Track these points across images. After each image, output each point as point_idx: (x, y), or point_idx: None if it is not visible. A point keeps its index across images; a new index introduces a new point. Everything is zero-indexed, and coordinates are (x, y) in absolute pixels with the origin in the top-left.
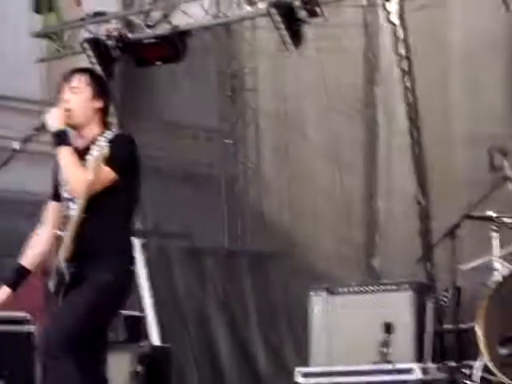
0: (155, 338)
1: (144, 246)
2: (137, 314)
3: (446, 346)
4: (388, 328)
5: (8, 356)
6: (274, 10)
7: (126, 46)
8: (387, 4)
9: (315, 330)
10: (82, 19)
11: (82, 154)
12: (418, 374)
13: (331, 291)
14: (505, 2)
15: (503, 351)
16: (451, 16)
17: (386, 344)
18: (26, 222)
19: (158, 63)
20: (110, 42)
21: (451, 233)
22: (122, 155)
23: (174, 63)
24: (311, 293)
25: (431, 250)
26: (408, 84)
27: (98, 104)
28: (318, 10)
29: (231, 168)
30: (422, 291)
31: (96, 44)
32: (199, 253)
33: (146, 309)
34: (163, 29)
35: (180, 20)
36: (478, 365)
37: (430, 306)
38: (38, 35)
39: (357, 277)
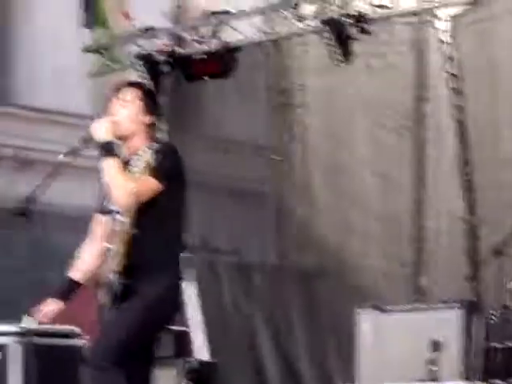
0: (202, 354)
1: (192, 261)
2: (184, 329)
3: (493, 364)
4: (436, 346)
5: (56, 369)
6: (323, 27)
7: (176, 61)
8: (437, 21)
9: (363, 347)
10: (132, 34)
11: (126, 165)
12: None
13: (379, 309)
14: None
15: None
16: (501, 33)
17: (433, 362)
18: (70, 235)
19: (207, 79)
20: (159, 57)
21: (499, 251)
22: (167, 165)
23: (223, 79)
24: (359, 310)
25: (479, 269)
26: (457, 102)
27: (147, 118)
28: (367, 26)
29: (279, 184)
30: (470, 309)
31: (146, 59)
32: (247, 268)
33: (193, 324)
34: (213, 44)
35: (230, 36)
36: None
37: (477, 324)
38: (88, 50)
39: (404, 295)
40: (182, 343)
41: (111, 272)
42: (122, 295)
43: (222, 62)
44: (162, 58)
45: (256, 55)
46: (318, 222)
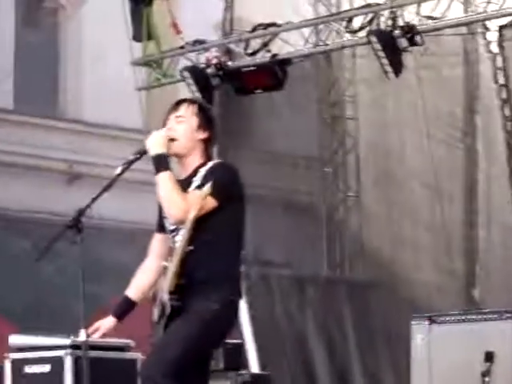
0: (255, 366)
1: (244, 274)
2: (237, 341)
3: None
4: (489, 357)
5: (112, 383)
6: (374, 39)
7: (226, 74)
8: (487, 32)
9: (417, 358)
10: (182, 47)
11: (184, 185)
12: None
13: (433, 320)
14: None
15: None
16: None
17: (487, 373)
18: (122, 249)
19: (258, 91)
20: (209, 70)
21: None
22: (224, 182)
23: (274, 91)
24: (413, 322)
25: None
26: (507, 113)
27: (203, 135)
28: (418, 38)
29: (331, 196)
30: None
31: (196, 72)
32: (299, 281)
33: (245, 336)
34: (263, 57)
35: (280, 48)
36: None
37: None
38: (138, 64)
39: (457, 307)
40: (233, 356)
41: (165, 291)
42: (173, 314)
43: (273, 74)
44: (211, 70)
45: (306, 67)
46: (369, 234)
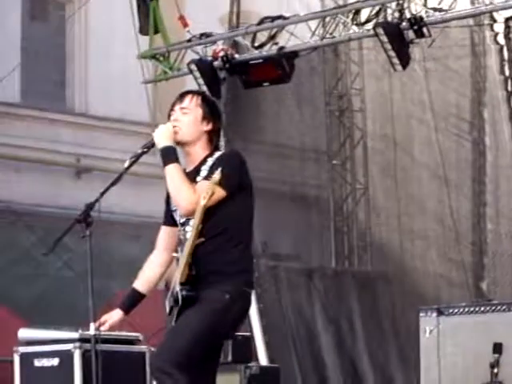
0: (263, 358)
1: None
2: (245, 334)
3: None
4: (498, 348)
5: (119, 375)
6: (381, 31)
7: (233, 67)
8: (494, 24)
9: (425, 350)
10: (189, 40)
11: (192, 176)
12: None
13: (441, 312)
14: None
15: None
16: None
17: (496, 364)
18: (128, 244)
19: (265, 84)
20: (216, 63)
21: None
22: (231, 172)
23: (281, 84)
24: (422, 313)
25: None
26: None
27: (207, 126)
28: (424, 30)
29: (339, 189)
30: None
31: (202, 65)
32: (308, 273)
33: (254, 329)
34: (270, 50)
35: (286, 41)
36: None
37: None
38: (145, 57)
39: (465, 299)
40: (242, 349)
41: (177, 282)
42: (185, 305)
43: (280, 67)
44: (218, 63)
45: (313, 60)
46: (377, 226)
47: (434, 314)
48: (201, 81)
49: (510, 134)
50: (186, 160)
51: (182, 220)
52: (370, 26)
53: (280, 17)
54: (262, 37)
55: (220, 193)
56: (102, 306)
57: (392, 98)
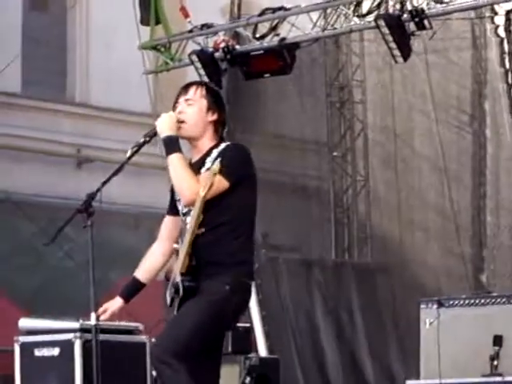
0: (263, 350)
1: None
2: (245, 325)
3: None
4: (498, 340)
5: (119, 365)
6: (382, 23)
7: (234, 58)
8: (495, 17)
9: (425, 341)
10: (190, 31)
11: (196, 167)
12: None
13: (442, 304)
14: None
15: None
16: None
17: (495, 357)
18: (129, 234)
19: (266, 75)
20: (217, 54)
21: None
22: (235, 164)
23: (282, 75)
24: (422, 305)
25: None
26: None
27: (212, 117)
28: (426, 22)
29: (339, 180)
30: None
31: (204, 56)
32: (307, 264)
33: (254, 320)
34: (271, 41)
35: (288, 32)
36: None
37: None
38: (146, 47)
39: (465, 291)
40: (241, 340)
41: (176, 272)
42: (186, 295)
43: (281, 58)
44: (219, 54)
45: (315, 51)
46: (377, 218)
47: (435, 306)
48: (202, 72)
49: (510, 127)
50: (193, 151)
51: (185, 210)
52: (371, 17)
53: (281, 8)
54: (263, 28)
55: (221, 183)
56: (103, 295)
57: (393, 90)
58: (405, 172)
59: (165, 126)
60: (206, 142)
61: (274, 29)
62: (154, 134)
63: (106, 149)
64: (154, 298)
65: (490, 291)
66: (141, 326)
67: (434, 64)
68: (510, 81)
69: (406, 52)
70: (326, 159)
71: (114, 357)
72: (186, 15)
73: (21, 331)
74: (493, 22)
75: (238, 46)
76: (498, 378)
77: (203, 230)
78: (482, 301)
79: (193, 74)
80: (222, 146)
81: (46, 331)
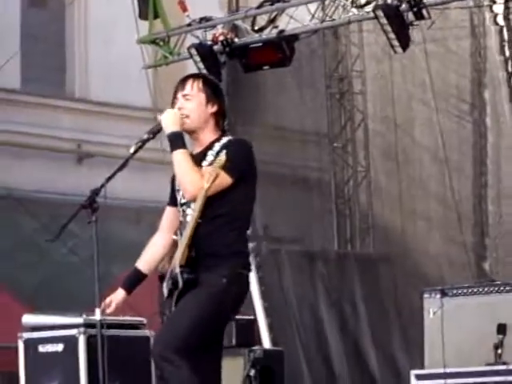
0: (267, 342)
1: (255, 250)
2: (249, 317)
3: None
4: (502, 329)
5: (123, 360)
6: (380, 13)
7: (233, 50)
8: (494, 5)
9: (429, 331)
10: (189, 25)
11: (198, 160)
12: None
13: (445, 293)
14: None
15: None
16: None
17: (499, 345)
18: (130, 229)
19: (265, 68)
20: (216, 47)
21: None
22: (238, 160)
23: (281, 67)
24: (425, 295)
25: None
26: None
27: (212, 109)
28: (424, 12)
29: (340, 171)
30: None
31: (203, 49)
32: (309, 256)
33: (257, 312)
34: (270, 33)
35: (286, 24)
36: None
37: None
38: (145, 42)
39: (468, 279)
40: (245, 332)
41: (176, 264)
42: (186, 287)
43: (280, 50)
44: (218, 47)
45: (314, 43)
46: (379, 209)
47: (438, 295)
48: (201, 65)
49: (510, 115)
50: (194, 144)
51: (183, 201)
52: (369, 8)
53: (279, 0)
54: (261, 20)
55: (225, 180)
56: (105, 290)
57: (392, 80)
58: (405, 162)
59: (170, 121)
60: (208, 134)
61: (272, 21)
62: (158, 130)
63: (107, 144)
64: (154, 289)
65: (494, 279)
66: (144, 320)
67: (433, 53)
68: (509, 69)
69: (404, 42)
70: (327, 150)
71: (119, 352)
72: (185, 9)
73: (24, 327)
74: (491, 11)
75: (236, 39)
76: (503, 367)
77: (200, 221)
78: (486, 289)
79: (192, 67)
80: (224, 140)
81: (49, 327)
